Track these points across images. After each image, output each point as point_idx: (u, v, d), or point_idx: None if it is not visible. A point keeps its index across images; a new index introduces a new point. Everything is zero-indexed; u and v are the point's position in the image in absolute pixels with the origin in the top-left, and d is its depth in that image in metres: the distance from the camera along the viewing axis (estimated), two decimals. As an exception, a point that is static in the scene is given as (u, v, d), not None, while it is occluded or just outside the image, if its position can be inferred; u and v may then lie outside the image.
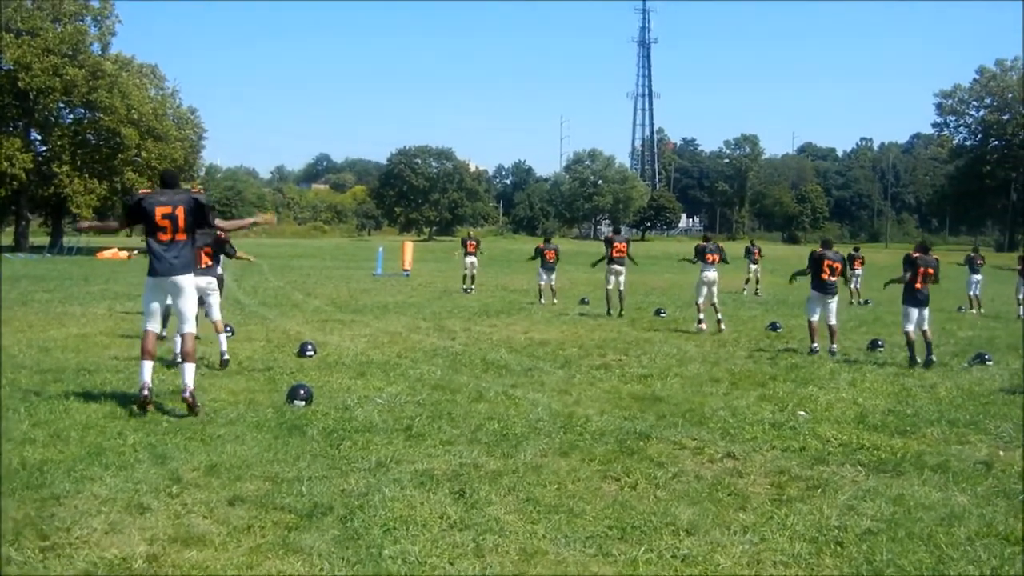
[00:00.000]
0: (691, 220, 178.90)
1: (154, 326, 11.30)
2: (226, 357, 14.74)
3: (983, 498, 8.32)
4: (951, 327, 24.90)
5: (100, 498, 7.48)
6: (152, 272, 11.14)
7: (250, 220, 13.85)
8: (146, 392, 10.79)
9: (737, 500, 8.05)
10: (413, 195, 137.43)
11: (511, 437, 10.14)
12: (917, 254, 17.42)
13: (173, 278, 11.10)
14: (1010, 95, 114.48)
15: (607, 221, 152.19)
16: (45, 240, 77.07)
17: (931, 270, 17.27)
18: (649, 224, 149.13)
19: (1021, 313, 29.15)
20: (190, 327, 11.33)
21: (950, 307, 32.30)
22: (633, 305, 26.89)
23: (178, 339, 12.15)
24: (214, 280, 15.04)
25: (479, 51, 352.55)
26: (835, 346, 18.38)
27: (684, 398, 12.94)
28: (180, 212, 11.00)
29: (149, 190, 12.09)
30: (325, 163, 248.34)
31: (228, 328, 18.44)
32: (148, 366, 10.97)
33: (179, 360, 11.65)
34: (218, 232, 14.28)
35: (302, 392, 11.77)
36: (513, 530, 7.02)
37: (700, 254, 22.45)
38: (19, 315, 21.30)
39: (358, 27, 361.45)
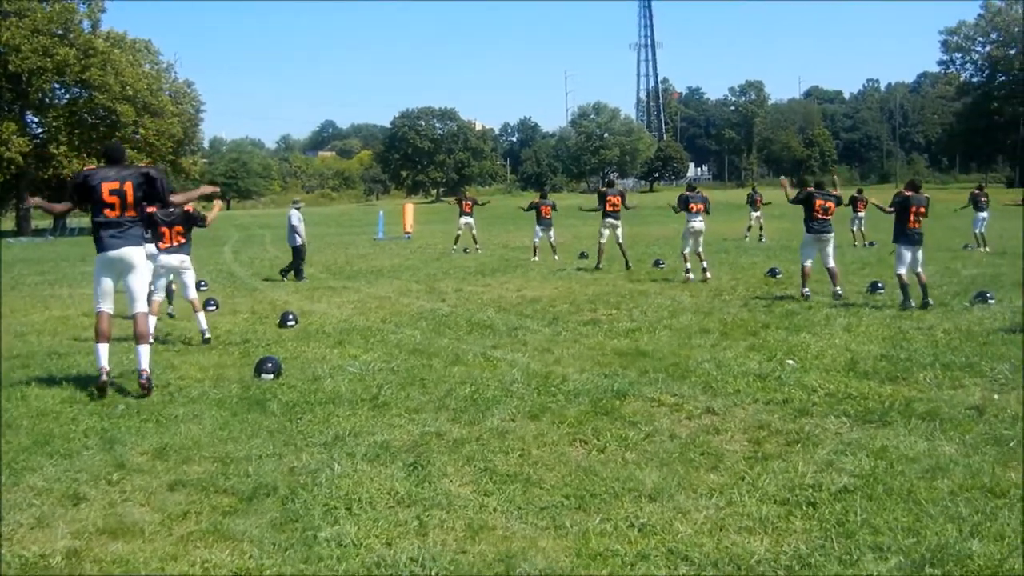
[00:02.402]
0: (699, 169, 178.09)
1: (107, 306, 10.86)
2: (207, 335, 14.37)
3: (971, 446, 7.89)
4: (955, 265, 24.50)
5: (36, 490, 7.11)
6: (101, 249, 10.73)
7: (198, 191, 13.33)
8: (104, 376, 10.42)
9: (710, 460, 7.64)
10: (418, 157, 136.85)
11: (481, 401, 9.76)
12: (909, 192, 16.94)
13: (123, 255, 10.68)
14: (1016, 29, 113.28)
15: (615, 174, 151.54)
16: (47, 223, 76.85)
17: (923, 208, 16.80)
18: (657, 175, 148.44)
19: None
20: (141, 306, 10.92)
21: (956, 245, 31.83)
22: (633, 257, 26.39)
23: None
24: (187, 258, 14.65)
25: (481, 10, 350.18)
26: (839, 288, 17.89)
27: (670, 351, 12.52)
28: (128, 188, 10.58)
29: (94, 166, 11.59)
30: (331, 130, 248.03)
31: (212, 302, 18.18)
32: (104, 349, 10.59)
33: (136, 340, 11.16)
34: (185, 207, 13.90)
35: (270, 365, 11.43)
36: (463, 504, 6.63)
37: (684, 204, 21.97)
38: (4, 301, 20.90)
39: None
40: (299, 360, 12.54)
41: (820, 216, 18.04)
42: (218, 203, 16.31)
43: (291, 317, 16.10)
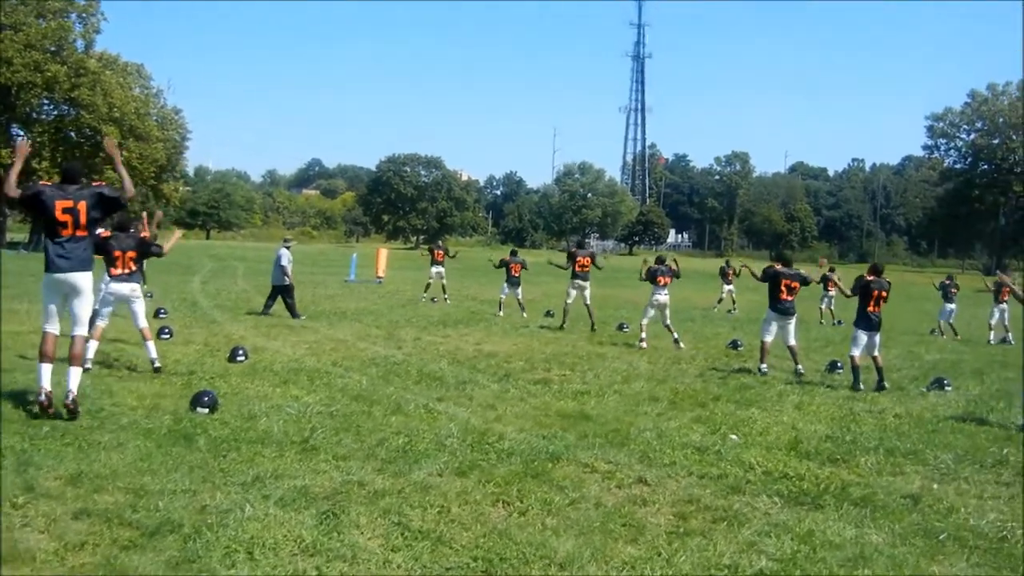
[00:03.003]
0: (680, 236, 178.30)
1: (53, 327, 10.73)
2: (157, 364, 14.15)
3: (900, 536, 7.79)
4: (919, 350, 24.40)
5: (-65, 508, 6.92)
6: (49, 269, 10.62)
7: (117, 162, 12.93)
8: (43, 397, 10.25)
9: (631, 532, 7.51)
10: (401, 203, 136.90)
11: (412, 454, 9.60)
12: (871, 276, 16.87)
13: (71, 277, 10.57)
14: (1001, 119, 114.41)
15: (596, 235, 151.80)
16: (23, 236, 76.39)
17: (884, 293, 16.73)
18: (637, 239, 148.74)
19: (991, 338, 28.61)
20: (81, 330, 10.79)
21: (923, 329, 31.86)
22: (599, 319, 26.25)
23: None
24: (138, 287, 14.47)
25: (476, 62, 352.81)
26: (800, 367, 17.74)
27: (614, 417, 12.37)
28: (82, 207, 10.51)
29: (49, 182, 11.45)
30: (317, 168, 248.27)
31: (166, 331, 17.99)
32: (47, 369, 10.44)
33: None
34: (142, 234, 13.77)
35: (206, 399, 11.26)
36: (367, 558, 6.49)
37: (651, 277, 21.83)
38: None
39: (356, 33, 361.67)
40: (239, 396, 12.37)
41: (784, 297, 17.95)
42: (177, 232, 16.17)
43: (241, 352, 15.92)
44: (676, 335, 21.73)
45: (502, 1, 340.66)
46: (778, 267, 18.27)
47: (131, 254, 14.14)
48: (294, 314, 24.27)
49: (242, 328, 21.16)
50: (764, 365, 17.71)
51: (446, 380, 14.95)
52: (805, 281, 18.53)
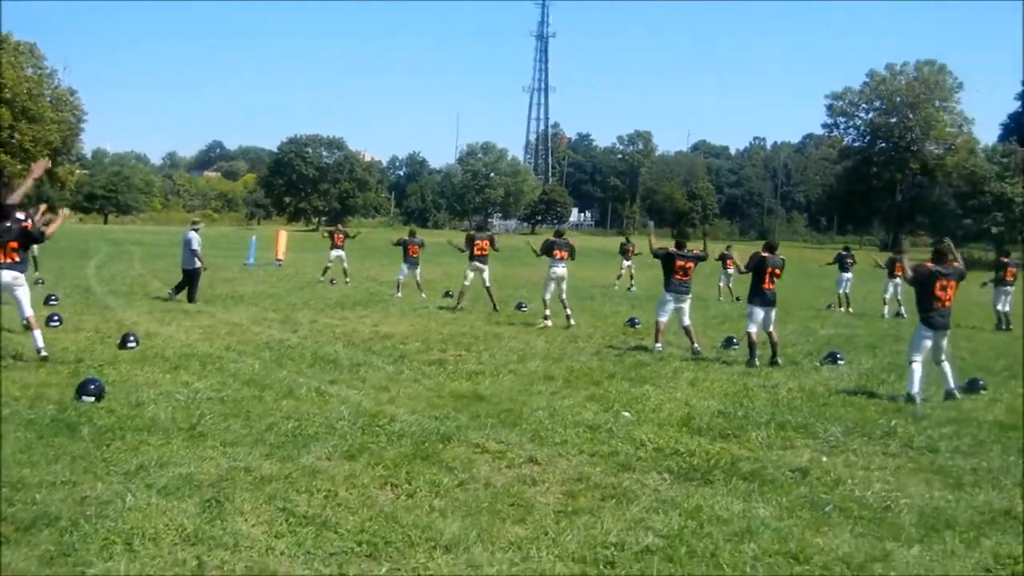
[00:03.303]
0: (582, 215, 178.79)
1: None
2: (43, 353, 13.84)
3: (787, 509, 7.90)
4: (815, 325, 24.71)
5: None
6: None
7: (31, 178, 12.73)
8: None
9: (519, 512, 7.52)
10: (303, 184, 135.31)
11: (301, 438, 9.54)
12: (765, 253, 16.99)
13: None
14: (898, 98, 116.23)
15: (498, 214, 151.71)
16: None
17: (778, 270, 16.88)
18: (540, 218, 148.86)
19: (886, 313, 29.06)
20: None
21: (819, 304, 32.30)
22: (499, 299, 26.22)
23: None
24: (21, 275, 14.12)
25: (378, 41, 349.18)
26: (697, 345, 17.79)
27: (508, 397, 12.39)
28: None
29: None
30: (219, 150, 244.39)
31: (56, 317, 17.66)
32: None
33: None
34: (23, 223, 13.48)
35: (92, 387, 11.08)
36: (250, 545, 6.42)
37: (548, 249, 21.83)
38: None
39: (255, 12, 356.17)
40: (128, 384, 12.17)
41: (679, 277, 18.04)
42: (63, 211, 15.88)
43: (132, 338, 15.66)
44: (569, 311, 21.68)
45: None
46: (672, 249, 18.29)
47: (12, 244, 13.80)
48: (192, 299, 23.93)
49: (135, 314, 20.79)
50: (659, 344, 17.80)
51: (340, 363, 14.86)
52: (700, 259, 18.61)
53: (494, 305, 24.69)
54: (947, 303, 13.87)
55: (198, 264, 24.23)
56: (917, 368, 13.62)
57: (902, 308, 28.94)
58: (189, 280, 24.35)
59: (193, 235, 24.59)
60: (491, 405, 11.76)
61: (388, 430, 10.06)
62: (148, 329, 17.71)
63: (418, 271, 29.07)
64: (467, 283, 24.97)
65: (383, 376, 13.75)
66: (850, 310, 30.57)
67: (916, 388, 13.45)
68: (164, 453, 8.66)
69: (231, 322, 19.84)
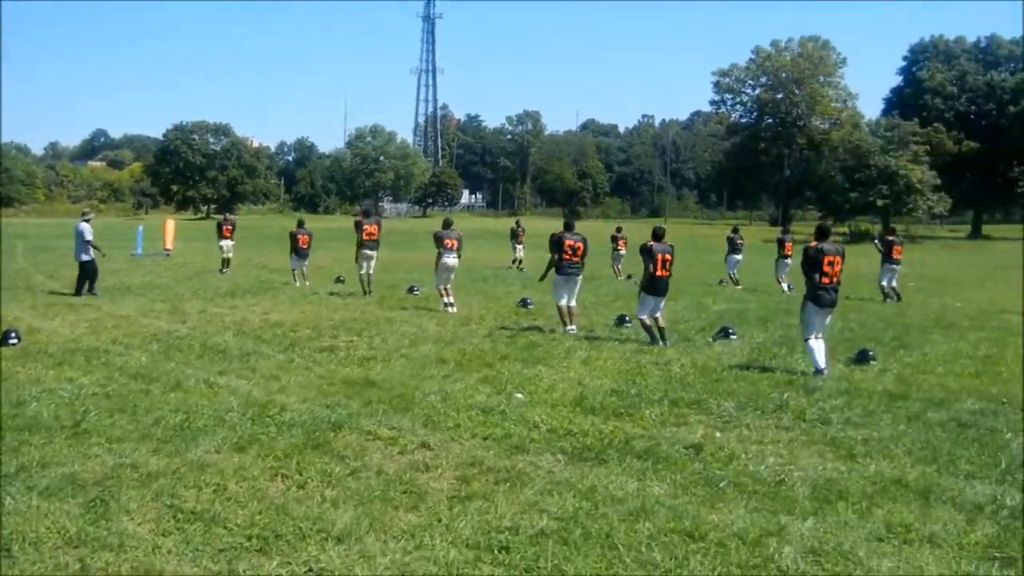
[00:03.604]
0: (473, 196, 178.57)
1: None
2: None
3: (682, 487, 7.96)
4: (707, 301, 24.98)
5: None
6: None
7: None
8: None
9: (411, 499, 7.47)
10: (190, 172, 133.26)
11: (190, 431, 9.38)
12: (652, 243, 16.95)
13: None
14: (784, 74, 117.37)
15: (389, 197, 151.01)
16: None
17: (668, 256, 16.89)
18: (431, 200, 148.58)
19: (785, 289, 29.40)
20: None
21: (711, 280, 32.65)
22: (389, 282, 26.17)
23: None
24: None
25: (263, 24, 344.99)
26: (573, 326, 17.89)
27: (400, 382, 12.31)
28: None
29: None
30: (103, 139, 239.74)
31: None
32: None
33: None
34: None
35: (-31, 388, 10.75)
36: (135, 545, 6.28)
37: (439, 241, 21.71)
38: None
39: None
40: (9, 382, 11.83)
41: (569, 257, 18.06)
42: None
43: (13, 334, 15.27)
44: (452, 298, 21.57)
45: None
46: (562, 231, 18.28)
47: None
48: (79, 291, 23.45)
49: (17, 309, 20.25)
50: (572, 326, 17.79)
51: (230, 353, 14.66)
52: (584, 241, 18.59)
53: (369, 291, 24.50)
54: (835, 279, 14.06)
55: (91, 255, 23.79)
56: (815, 344, 13.83)
57: (789, 283, 29.33)
58: (86, 272, 23.87)
59: (85, 226, 24.16)
60: (383, 391, 11.67)
61: (278, 420, 9.94)
62: (31, 324, 17.31)
63: (306, 263, 28.77)
64: (363, 272, 24.79)
65: (273, 365, 13.59)
66: (739, 287, 30.84)
67: (822, 364, 13.66)
68: (46, 453, 8.44)
69: (118, 315, 19.42)
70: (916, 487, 8.04)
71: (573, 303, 18.23)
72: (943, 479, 8.34)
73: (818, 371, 13.56)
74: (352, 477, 7.98)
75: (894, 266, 27.81)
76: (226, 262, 33.26)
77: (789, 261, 29.47)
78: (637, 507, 7.33)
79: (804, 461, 8.84)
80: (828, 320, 14.46)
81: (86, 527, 6.55)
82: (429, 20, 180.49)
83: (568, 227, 18.53)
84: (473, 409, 10.71)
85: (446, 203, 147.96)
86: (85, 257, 23.92)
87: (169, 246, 45.08)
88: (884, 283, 27.50)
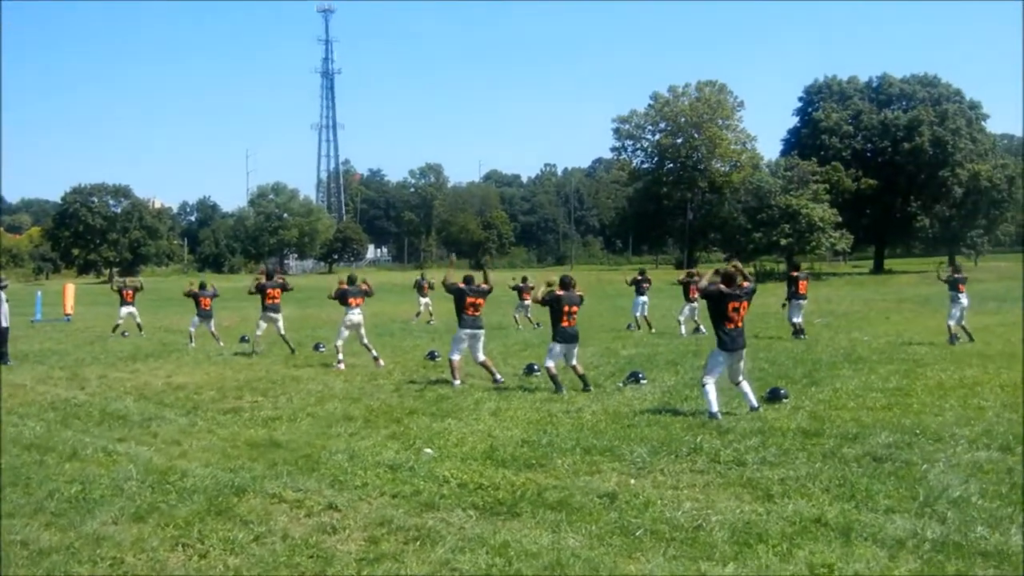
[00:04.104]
0: (379, 250, 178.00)
1: None
2: None
3: (597, 537, 7.81)
4: (616, 346, 24.97)
5: None
6: None
7: None
8: None
9: (318, 564, 7.25)
10: (90, 235, 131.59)
11: (86, 502, 9.05)
12: (561, 292, 16.89)
13: None
14: (682, 119, 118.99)
15: (294, 254, 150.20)
16: None
17: (575, 307, 16.84)
18: (337, 256, 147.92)
19: (683, 332, 29.44)
20: None
21: (620, 326, 32.66)
22: (295, 340, 25.76)
23: None
24: None
25: (159, 82, 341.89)
26: (498, 376, 17.83)
27: (305, 442, 12.08)
28: None
29: None
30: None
31: None
32: None
33: None
34: None
35: None
36: (24, 629, 5.94)
37: (343, 298, 21.53)
38: None
39: (26, 45, 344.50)
40: None
41: (471, 313, 17.96)
42: None
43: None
44: (375, 352, 21.46)
45: (181, 16, 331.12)
46: (462, 285, 18.18)
47: None
48: (4, 359, 22.82)
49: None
50: (458, 381, 17.59)
51: (130, 418, 14.30)
52: (487, 293, 18.53)
53: (291, 349, 24.29)
54: (739, 323, 14.09)
55: (4, 323, 23.18)
56: (711, 389, 13.81)
57: (700, 326, 29.37)
58: (3, 339, 23.26)
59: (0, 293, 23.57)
60: (288, 452, 11.44)
61: (179, 486, 9.63)
62: (-81, 399, 16.77)
63: (212, 323, 28.44)
64: (259, 332, 24.90)
65: (175, 429, 13.26)
66: (652, 331, 30.85)
67: (715, 408, 13.62)
68: (-71, 534, 8.06)
69: (13, 383, 18.87)
70: (836, 525, 7.97)
71: (482, 357, 18.14)
72: (863, 515, 8.29)
73: (712, 415, 13.50)
74: (256, 543, 7.72)
75: (801, 301, 28.11)
76: (127, 325, 32.66)
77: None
78: (552, 561, 7.18)
79: (721, 504, 8.74)
80: (742, 364, 14.42)
81: (-30, 613, 6.23)
82: (327, 76, 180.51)
83: (467, 280, 18.45)
84: (381, 466, 10.50)
85: (352, 258, 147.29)
86: (4, 324, 23.33)
87: (69, 311, 44.20)
88: (795, 320, 27.71)
